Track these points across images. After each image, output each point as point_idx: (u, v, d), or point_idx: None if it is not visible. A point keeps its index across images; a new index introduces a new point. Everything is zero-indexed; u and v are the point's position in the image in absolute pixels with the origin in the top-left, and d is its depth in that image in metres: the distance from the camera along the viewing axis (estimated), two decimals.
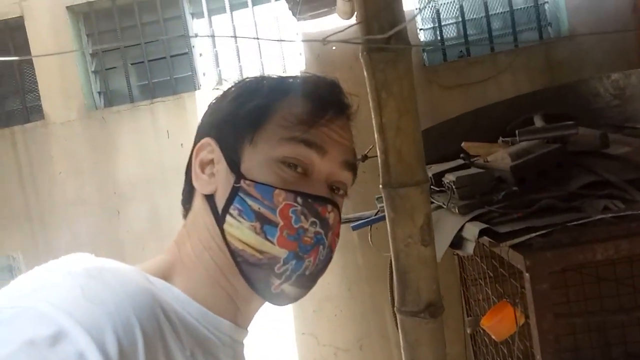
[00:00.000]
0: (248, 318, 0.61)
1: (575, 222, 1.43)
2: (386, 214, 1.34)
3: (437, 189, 1.90)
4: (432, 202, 1.93)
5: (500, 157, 1.77)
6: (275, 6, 3.15)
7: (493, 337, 1.86)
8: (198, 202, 0.60)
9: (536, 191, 1.59)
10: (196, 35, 3.39)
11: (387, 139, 1.28)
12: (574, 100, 2.29)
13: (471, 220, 1.58)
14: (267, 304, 0.61)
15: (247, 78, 0.65)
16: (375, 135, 1.31)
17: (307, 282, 0.58)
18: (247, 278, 0.56)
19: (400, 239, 1.31)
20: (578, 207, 1.48)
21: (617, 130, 2.00)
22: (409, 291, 1.32)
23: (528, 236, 1.42)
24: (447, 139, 2.35)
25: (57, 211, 3.15)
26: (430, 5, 2.76)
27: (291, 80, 0.63)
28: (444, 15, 2.89)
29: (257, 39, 2.91)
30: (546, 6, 2.81)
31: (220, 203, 0.57)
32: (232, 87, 0.65)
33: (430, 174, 1.99)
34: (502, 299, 1.98)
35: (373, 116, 1.30)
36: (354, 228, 2.07)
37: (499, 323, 1.76)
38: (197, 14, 3.30)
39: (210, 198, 0.58)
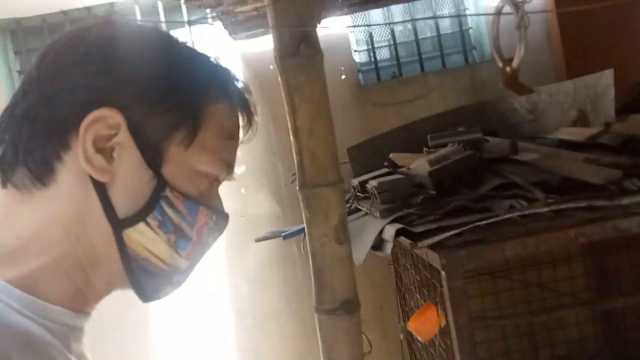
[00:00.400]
0: (93, 306, 0.55)
1: (485, 222, 1.52)
2: (303, 214, 1.38)
3: (362, 196, 1.96)
4: (359, 210, 1.99)
5: (420, 164, 1.86)
6: (213, 27, 3.21)
7: (419, 338, 1.90)
8: (69, 181, 0.49)
9: (452, 195, 1.67)
10: None
11: (301, 141, 1.33)
12: (494, 116, 2.45)
13: (391, 222, 1.64)
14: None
15: (149, 26, 0.56)
16: (291, 138, 1.36)
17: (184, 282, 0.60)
18: (137, 284, 0.53)
19: (315, 238, 1.35)
20: (488, 208, 1.58)
21: (531, 141, 2.15)
22: (325, 290, 1.35)
23: (443, 235, 1.49)
24: (379, 152, 2.44)
25: None
26: (363, 29, 2.89)
27: (225, 75, 0.57)
28: (377, 38, 3.04)
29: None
30: (470, 31, 3.01)
31: (124, 201, 0.49)
32: (131, 31, 0.53)
33: (356, 182, 2.06)
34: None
35: (288, 119, 1.35)
36: (285, 237, 2.09)
37: (423, 324, 1.80)
38: None
39: (100, 187, 0.48)
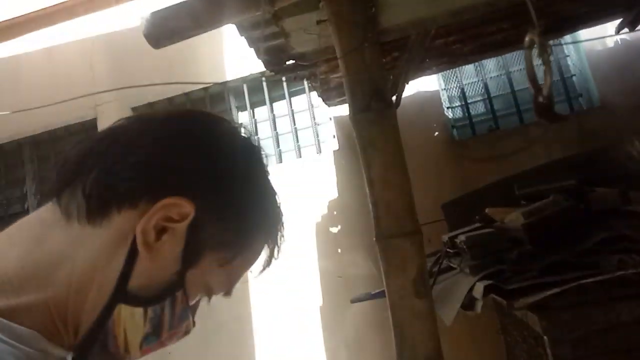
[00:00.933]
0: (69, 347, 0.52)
1: (591, 280, 1.35)
2: (381, 267, 1.35)
3: (453, 252, 1.86)
4: (451, 268, 1.89)
5: (515, 217, 1.73)
6: (309, 96, 3.43)
7: None
8: (112, 233, 0.49)
9: (550, 250, 1.52)
10: None
11: (376, 193, 1.34)
12: (606, 165, 2.22)
13: (482, 279, 1.52)
14: None
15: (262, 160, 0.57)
16: (367, 190, 1.37)
17: None
18: (86, 349, 0.50)
19: (394, 291, 1.31)
20: (593, 264, 1.40)
21: None
22: (405, 345, 1.28)
23: (542, 295, 1.35)
24: (475, 208, 2.32)
25: None
26: (455, 86, 2.88)
27: (279, 217, 0.58)
28: (470, 93, 3.00)
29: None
30: (574, 79, 2.83)
31: (141, 281, 0.49)
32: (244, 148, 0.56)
33: (446, 238, 1.96)
34: None
35: (363, 172, 1.38)
36: (353, 301, 2.04)
37: None
38: (241, 107, 3.66)
39: (133, 254, 0.48)
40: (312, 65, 2.68)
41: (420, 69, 2.79)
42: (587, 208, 1.64)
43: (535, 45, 1.17)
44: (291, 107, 3.50)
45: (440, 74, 2.96)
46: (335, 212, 3.04)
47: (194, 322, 0.55)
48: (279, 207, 0.57)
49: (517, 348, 2.37)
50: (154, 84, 3.14)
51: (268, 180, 0.57)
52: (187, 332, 0.55)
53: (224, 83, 3.53)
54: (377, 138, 1.33)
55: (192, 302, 0.53)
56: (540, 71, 1.27)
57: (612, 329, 2.16)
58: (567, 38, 2.79)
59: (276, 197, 0.57)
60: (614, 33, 2.60)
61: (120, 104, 3.57)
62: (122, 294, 0.48)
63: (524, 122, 2.86)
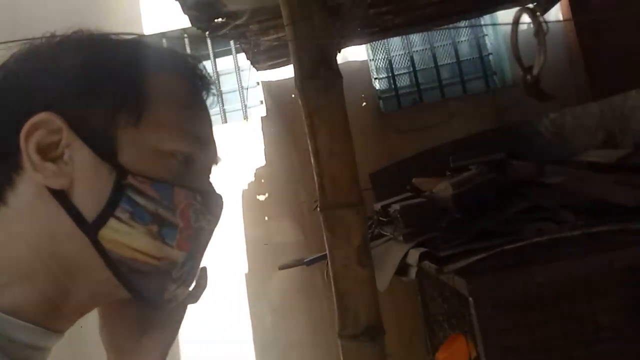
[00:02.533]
0: (72, 321, 0.50)
1: (513, 245, 1.47)
2: (324, 236, 1.36)
3: (385, 220, 1.93)
4: (382, 235, 1.96)
5: (443, 187, 1.83)
6: (237, 58, 3.30)
7: None
8: (28, 199, 0.45)
9: (477, 218, 1.63)
10: None
11: (322, 163, 1.33)
12: (518, 140, 2.41)
13: (415, 247, 1.60)
14: None
15: (82, 33, 0.50)
16: (311, 159, 1.36)
17: (194, 278, 0.53)
18: (132, 288, 0.48)
19: (338, 260, 1.32)
20: (515, 232, 1.53)
21: (557, 164, 2.10)
22: (348, 314, 1.31)
23: (469, 260, 1.45)
24: (401, 178, 2.42)
25: None
26: (383, 57, 2.92)
27: (158, 48, 0.53)
28: (397, 66, 3.06)
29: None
30: (490, 57, 3.01)
31: (89, 202, 0.46)
32: (62, 39, 0.49)
33: (379, 206, 2.03)
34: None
35: (308, 141, 1.36)
36: (307, 264, 2.07)
37: (452, 356, 1.74)
38: None
39: (60, 195, 0.45)
40: (242, 26, 2.57)
41: (350, 38, 2.79)
42: (507, 179, 1.78)
43: (529, 23, 1.20)
44: (216, 68, 3.34)
45: (368, 44, 2.98)
46: (262, 180, 3.00)
47: (208, 192, 0.52)
48: (151, 43, 0.53)
49: (433, 306, 2.55)
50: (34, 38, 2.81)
51: (120, 38, 0.51)
52: (204, 202, 0.51)
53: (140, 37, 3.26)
54: (323, 107, 1.31)
55: (162, 176, 0.48)
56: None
57: (529, 290, 2.40)
58: (487, 18, 2.94)
59: (143, 40, 0.53)
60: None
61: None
62: (90, 228, 0.45)
63: (445, 96, 2.99)
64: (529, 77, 1.23)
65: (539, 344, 2.52)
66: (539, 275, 1.48)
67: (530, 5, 1.24)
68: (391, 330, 1.41)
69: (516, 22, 1.23)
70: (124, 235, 0.46)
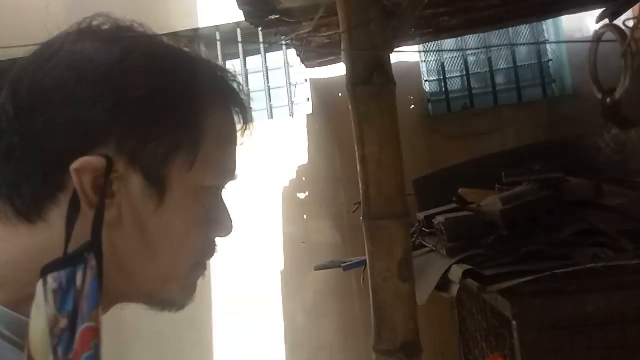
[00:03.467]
0: None
1: (564, 270, 1.39)
2: (365, 246, 1.33)
3: (428, 231, 1.87)
4: (423, 246, 1.90)
5: (492, 202, 1.75)
6: (287, 53, 3.29)
7: None
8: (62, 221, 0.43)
9: (527, 237, 1.55)
10: None
11: (368, 171, 1.29)
12: (574, 154, 2.28)
13: (458, 262, 1.54)
14: None
15: (139, 41, 0.47)
16: (358, 167, 1.33)
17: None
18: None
19: (378, 272, 1.29)
20: (568, 255, 1.44)
21: (617, 184, 1.97)
22: (385, 328, 1.28)
23: (516, 281, 1.38)
24: (447, 186, 2.34)
25: None
26: (436, 59, 2.84)
27: (215, 76, 0.52)
28: (449, 69, 2.97)
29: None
30: (550, 64, 2.86)
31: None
32: (122, 55, 0.44)
33: (422, 216, 1.97)
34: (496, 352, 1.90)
35: (356, 148, 1.32)
36: (345, 268, 2.04)
37: None
38: (214, 58, 3.47)
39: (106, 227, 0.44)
40: (295, 23, 2.55)
41: (404, 39, 2.72)
42: (562, 198, 1.68)
43: (617, 43, 1.12)
44: (266, 64, 3.34)
45: (420, 46, 2.90)
46: (304, 178, 2.99)
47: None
48: (207, 66, 0.52)
49: (471, 322, 2.47)
50: None
51: (181, 55, 0.50)
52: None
53: (195, 30, 3.31)
54: (374, 114, 1.28)
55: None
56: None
57: (578, 318, 2.29)
58: (550, 22, 2.80)
59: (202, 62, 0.52)
60: (595, 22, 2.62)
61: None
62: None
63: (498, 102, 2.88)
64: (608, 100, 1.14)
65: None
66: (590, 304, 1.40)
67: (620, 23, 1.15)
68: (424, 343, 1.36)
69: (598, 39, 1.14)
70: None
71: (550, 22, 2.77)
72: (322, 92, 3.02)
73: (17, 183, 0.43)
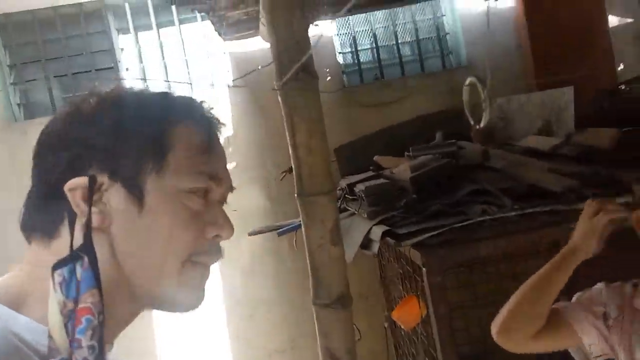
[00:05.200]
0: (115, 334, 0.61)
1: (460, 224, 1.72)
2: (301, 219, 1.56)
3: (351, 197, 2.14)
4: (347, 209, 2.18)
5: (403, 169, 2.05)
6: (202, 25, 3.31)
7: (402, 326, 2.11)
8: (77, 233, 0.54)
9: (431, 199, 1.87)
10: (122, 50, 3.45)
11: (300, 157, 1.50)
12: (469, 122, 2.65)
13: (377, 224, 1.83)
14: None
15: (109, 95, 0.60)
16: (290, 152, 1.53)
17: None
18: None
19: (313, 240, 1.52)
20: (463, 212, 1.78)
21: (500, 147, 2.36)
22: (321, 286, 1.53)
23: (424, 236, 1.69)
24: (364, 153, 2.62)
25: None
26: (347, 32, 3.04)
27: (177, 100, 0.64)
28: (360, 42, 3.20)
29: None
30: (447, 37, 3.19)
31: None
32: (99, 101, 0.59)
33: (345, 184, 2.24)
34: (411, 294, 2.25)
35: (287, 136, 1.52)
36: (280, 234, 2.27)
37: (406, 314, 2.02)
38: (123, 30, 3.38)
39: (102, 232, 0.56)
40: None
41: (319, 15, 2.88)
42: (458, 164, 2.02)
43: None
44: (181, 36, 3.34)
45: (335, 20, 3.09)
46: (230, 149, 3.12)
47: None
48: (169, 96, 0.64)
49: (389, 269, 2.84)
50: None
51: (144, 93, 0.63)
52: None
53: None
54: (302, 107, 1.47)
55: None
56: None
57: (474, 260, 2.72)
58: (446, 1, 3.11)
59: (162, 94, 0.64)
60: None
61: None
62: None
63: (404, 73, 3.18)
64: (477, 127, 1.45)
65: (480, 300, 2.89)
66: (482, 249, 1.75)
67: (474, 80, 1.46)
68: (351, 291, 1.63)
69: (466, 85, 1.45)
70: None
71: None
72: (241, 65, 3.12)
73: (40, 215, 0.57)
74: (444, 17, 3.18)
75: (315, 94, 1.50)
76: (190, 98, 0.66)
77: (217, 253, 0.64)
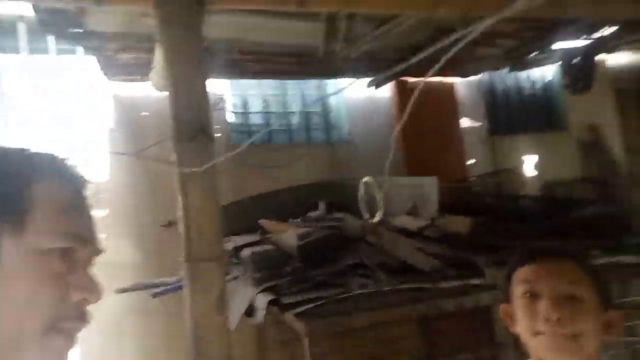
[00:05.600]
0: None
1: (342, 296, 1.80)
2: (185, 286, 1.48)
3: (236, 261, 2.10)
4: (230, 274, 2.13)
5: (290, 236, 2.09)
6: (83, 59, 3.08)
7: None
8: None
9: (316, 267, 1.93)
10: None
11: (190, 217, 1.46)
12: (348, 194, 2.83)
13: (262, 291, 1.82)
14: None
15: None
16: (181, 213, 1.48)
17: None
18: None
19: (197, 310, 1.46)
20: (343, 284, 1.86)
21: (378, 224, 2.54)
22: (204, 357, 1.45)
23: (307, 306, 1.73)
24: (249, 212, 2.62)
25: None
26: (239, 93, 3.11)
27: (36, 157, 0.60)
28: (251, 104, 3.29)
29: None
30: (331, 115, 3.45)
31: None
32: None
33: (231, 247, 2.20)
34: None
35: (179, 197, 1.47)
36: (155, 295, 2.11)
37: None
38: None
39: None
40: (100, 40, 2.48)
41: (215, 73, 2.91)
42: (341, 236, 2.13)
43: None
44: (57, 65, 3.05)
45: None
46: (102, 195, 2.88)
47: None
48: (30, 155, 0.59)
49: (267, 333, 2.78)
50: None
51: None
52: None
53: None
54: (197, 170, 1.45)
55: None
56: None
57: (351, 328, 2.78)
58: (331, 83, 3.40)
59: (23, 151, 0.59)
60: (366, 87, 3.31)
61: None
62: None
63: (292, 140, 3.31)
64: (371, 221, 1.64)
65: None
66: (360, 320, 1.82)
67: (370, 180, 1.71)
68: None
69: (362, 191, 1.64)
70: None
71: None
72: (126, 108, 2.97)
73: None
74: (332, 97, 3.44)
75: (211, 156, 1.50)
76: (52, 155, 0.62)
77: (83, 318, 0.58)
